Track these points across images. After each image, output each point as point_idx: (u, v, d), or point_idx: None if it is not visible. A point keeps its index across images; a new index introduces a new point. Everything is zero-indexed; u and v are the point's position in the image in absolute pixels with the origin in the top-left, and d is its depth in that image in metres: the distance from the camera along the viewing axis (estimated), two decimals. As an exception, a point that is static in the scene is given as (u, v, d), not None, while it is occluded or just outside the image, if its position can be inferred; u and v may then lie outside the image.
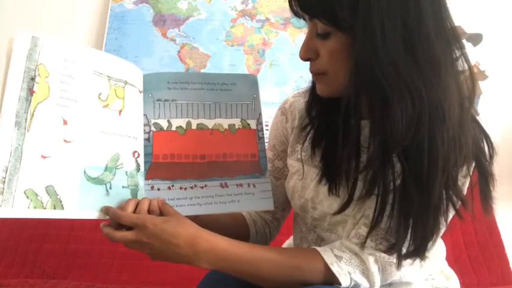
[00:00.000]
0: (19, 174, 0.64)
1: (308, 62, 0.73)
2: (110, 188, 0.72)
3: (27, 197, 0.64)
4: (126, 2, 1.88)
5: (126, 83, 0.76)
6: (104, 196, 0.71)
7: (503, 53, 1.77)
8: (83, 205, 0.69)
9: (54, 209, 0.66)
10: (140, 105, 0.78)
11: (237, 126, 0.82)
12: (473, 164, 0.71)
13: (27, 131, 0.65)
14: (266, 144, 0.87)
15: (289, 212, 0.94)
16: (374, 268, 0.69)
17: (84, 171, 0.70)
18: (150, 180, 0.76)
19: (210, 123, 0.81)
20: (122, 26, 1.86)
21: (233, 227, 0.88)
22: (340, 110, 0.68)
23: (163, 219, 0.68)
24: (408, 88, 0.63)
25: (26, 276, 1.41)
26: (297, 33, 1.83)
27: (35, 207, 0.64)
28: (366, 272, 0.69)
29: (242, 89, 0.84)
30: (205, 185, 0.78)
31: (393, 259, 0.69)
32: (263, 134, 0.84)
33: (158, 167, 0.77)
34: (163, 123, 0.79)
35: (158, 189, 0.76)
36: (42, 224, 1.53)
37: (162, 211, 0.71)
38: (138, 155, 0.76)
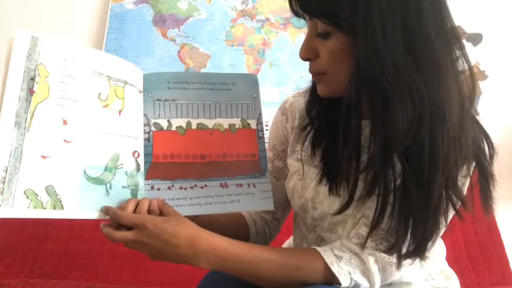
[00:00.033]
0: (19, 174, 0.64)
1: (308, 62, 0.73)
2: (110, 188, 0.71)
3: (27, 197, 0.64)
4: (126, 2, 1.88)
5: (126, 83, 0.76)
6: (103, 196, 0.71)
7: (503, 53, 1.77)
8: (83, 205, 0.69)
9: (54, 209, 0.66)
10: (140, 105, 0.78)
11: (237, 126, 0.82)
12: (473, 164, 0.71)
13: (27, 131, 0.65)
14: (266, 144, 0.87)
15: (289, 212, 0.94)
16: (374, 268, 0.69)
17: (84, 171, 0.70)
18: (150, 180, 0.76)
19: (210, 123, 0.81)
20: (122, 26, 1.86)
21: (233, 227, 0.88)
22: (340, 110, 0.67)
23: (163, 220, 0.68)
24: (409, 88, 0.63)
25: (26, 276, 1.41)
26: (297, 33, 1.83)
27: (34, 207, 0.64)
28: (366, 272, 0.69)
29: (242, 89, 0.84)
30: (205, 185, 0.78)
31: (393, 259, 0.69)
32: (263, 133, 0.84)
33: (158, 167, 0.77)
34: (163, 123, 0.79)
35: (158, 189, 0.76)
36: (42, 224, 1.53)
37: (162, 211, 0.71)
38: (138, 155, 0.76)
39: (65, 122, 0.69)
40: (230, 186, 0.79)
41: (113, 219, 0.69)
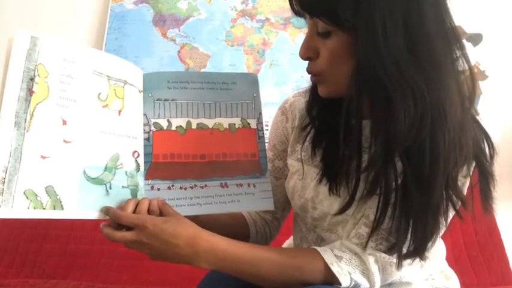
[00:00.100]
0: (19, 174, 0.64)
1: (307, 62, 0.73)
2: (110, 188, 0.71)
3: (27, 198, 0.64)
4: (126, 2, 1.88)
5: (125, 82, 0.76)
6: (103, 196, 0.71)
7: (503, 53, 1.77)
8: (82, 205, 0.68)
9: (54, 209, 0.66)
10: (140, 105, 0.78)
11: (237, 126, 0.82)
12: (474, 164, 0.71)
13: (27, 131, 0.65)
14: (266, 144, 0.87)
15: (289, 212, 0.94)
16: (374, 268, 0.69)
17: (84, 172, 0.70)
18: (150, 180, 0.76)
19: (210, 122, 0.81)
20: (122, 26, 1.86)
21: (233, 227, 0.88)
22: (340, 109, 0.67)
23: (163, 220, 0.68)
24: (411, 88, 0.62)
25: (26, 276, 1.41)
26: (297, 33, 1.83)
27: (34, 208, 0.64)
28: (366, 272, 0.69)
29: (242, 88, 0.83)
30: (205, 185, 0.78)
31: (393, 259, 0.69)
32: (263, 133, 0.84)
33: (158, 166, 0.77)
34: (163, 123, 0.78)
35: (158, 189, 0.76)
36: (42, 224, 1.53)
37: (162, 211, 0.71)
38: (138, 155, 0.76)
39: (64, 122, 0.69)
40: (230, 186, 0.79)
41: (113, 219, 0.69)
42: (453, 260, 1.38)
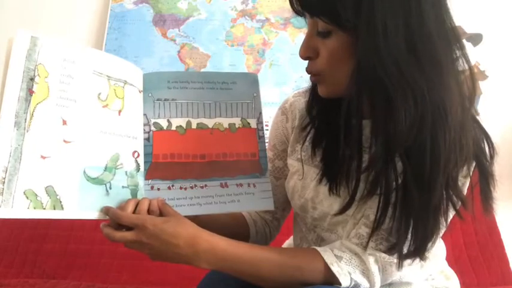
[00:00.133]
0: (19, 174, 0.64)
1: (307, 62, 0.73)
2: (110, 188, 0.71)
3: (27, 198, 0.64)
4: (126, 2, 1.88)
5: (125, 82, 0.76)
6: (103, 196, 0.71)
7: (503, 53, 1.77)
8: (82, 205, 0.68)
9: (54, 209, 0.66)
10: (140, 105, 0.78)
11: (237, 126, 0.82)
12: (474, 164, 0.71)
13: (27, 131, 0.65)
14: (266, 144, 0.87)
15: (289, 212, 0.94)
16: (374, 268, 0.69)
17: (84, 172, 0.70)
18: (150, 180, 0.76)
19: (210, 122, 0.81)
20: (122, 26, 1.86)
21: (233, 227, 0.88)
22: (340, 109, 0.67)
23: (163, 220, 0.68)
24: (411, 88, 0.62)
25: (26, 276, 1.41)
26: (297, 33, 1.83)
27: (34, 208, 0.64)
28: (366, 272, 0.69)
29: (242, 88, 0.83)
30: (205, 185, 0.78)
31: (393, 259, 0.69)
32: (263, 133, 0.84)
33: (158, 166, 0.77)
34: (163, 123, 0.78)
35: (158, 189, 0.75)
36: (42, 224, 1.53)
37: (162, 211, 0.71)
38: (138, 155, 0.76)
39: (64, 122, 0.69)
40: (230, 186, 0.79)
41: (113, 219, 0.69)
42: (453, 260, 1.38)
